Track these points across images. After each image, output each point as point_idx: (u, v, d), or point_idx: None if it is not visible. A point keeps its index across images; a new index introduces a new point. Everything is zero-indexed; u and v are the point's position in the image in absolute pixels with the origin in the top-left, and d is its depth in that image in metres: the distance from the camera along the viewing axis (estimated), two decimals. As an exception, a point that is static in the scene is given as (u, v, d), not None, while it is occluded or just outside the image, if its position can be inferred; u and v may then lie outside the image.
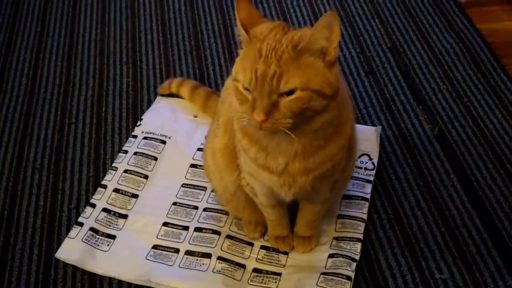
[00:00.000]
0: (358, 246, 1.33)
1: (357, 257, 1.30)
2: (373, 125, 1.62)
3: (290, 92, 0.91)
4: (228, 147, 1.18)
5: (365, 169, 1.49)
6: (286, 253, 1.35)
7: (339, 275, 1.26)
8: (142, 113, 1.70)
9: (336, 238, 1.36)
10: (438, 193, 1.45)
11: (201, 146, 1.58)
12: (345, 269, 1.27)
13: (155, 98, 1.75)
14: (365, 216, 1.39)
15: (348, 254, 1.31)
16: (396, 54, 1.85)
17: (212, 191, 1.46)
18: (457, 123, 1.62)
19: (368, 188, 1.45)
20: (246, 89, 0.94)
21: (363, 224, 1.37)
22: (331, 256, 1.32)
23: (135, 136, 1.61)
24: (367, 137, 1.54)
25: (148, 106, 1.72)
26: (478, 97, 1.69)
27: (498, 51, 1.83)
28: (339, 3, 2.06)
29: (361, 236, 1.35)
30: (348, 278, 1.26)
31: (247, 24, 0.95)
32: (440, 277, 1.28)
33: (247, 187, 1.20)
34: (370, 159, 1.51)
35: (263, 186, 1.12)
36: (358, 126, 1.44)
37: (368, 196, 1.43)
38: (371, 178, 1.47)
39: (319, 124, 0.97)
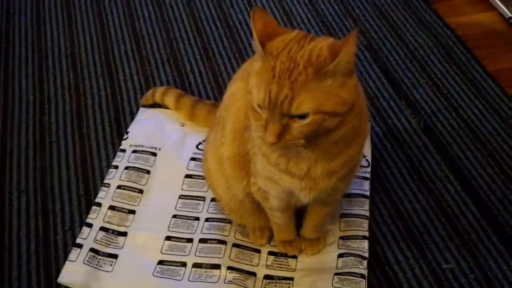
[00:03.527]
0: (365, 243, 1.34)
1: (366, 255, 1.32)
2: (361, 122, 1.64)
3: (302, 116, 0.89)
4: (238, 155, 1.16)
5: (361, 166, 1.50)
6: (295, 257, 1.34)
7: (353, 274, 1.27)
8: (126, 125, 1.66)
9: (342, 238, 1.36)
10: (433, 185, 1.49)
11: (194, 156, 1.56)
12: (358, 268, 1.28)
13: (137, 109, 1.71)
14: (367, 213, 1.41)
15: (357, 252, 1.32)
16: (372, 51, 1.88)
17: (212, 200, 1.44)
18: (440, 115, 1.66)
19: (366, 185, 1.47)
20: (260, 106, 0.93)
21: (366, 221, 1.39)
22: (340, 255, 1.33)
23: (123, 150, 1.57)
24: (358, 135, 1.56)
25: (131, 118, 1.68)
26: (456, 89, 1.74)
27: (468, 43, 1.89)
28: (309, 3, 2.07)
29: (366, 233, 1.36)
30: (362, 276, 1.27)
31: (263, 36, 0.93)
32: (447, 267, 1.32)
33: (257, 193, 1.19)
34: (364, 156, 1.53)
35: (281, 189, 1.11)
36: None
37: (368, 193, 1.45)
38: (368, 175, 1.49)
39: (337, 137, 0.96)
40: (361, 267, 1.28)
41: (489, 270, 1.31)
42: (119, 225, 1.41)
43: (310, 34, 0.96)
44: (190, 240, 1.37)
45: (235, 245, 1.36)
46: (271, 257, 1.35)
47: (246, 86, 1.07)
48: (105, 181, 1.50)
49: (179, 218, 1.42)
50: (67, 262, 1.32)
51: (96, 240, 1.37)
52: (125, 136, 1.61)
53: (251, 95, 0.94)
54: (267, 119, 0.92)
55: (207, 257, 1.34)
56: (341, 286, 1.25)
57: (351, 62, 0.90)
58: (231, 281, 1.29)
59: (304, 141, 0.93)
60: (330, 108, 0.90)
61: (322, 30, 1.96)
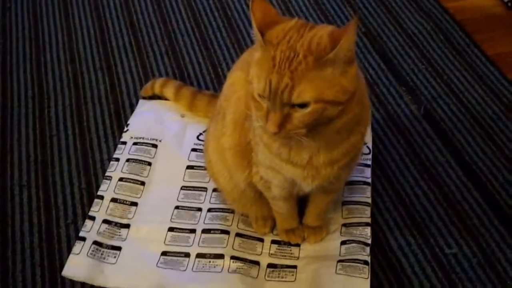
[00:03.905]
0: (368, 230, 1.34)
1: (369, 241, 1.32)
2: (361, 110, 1.64)
3: (303, 105, 0.89)
4: (239, 145, 1.16)
5: (362, 153, 1.50)
6: (298, 245, 1.35)
7: (356, 261, 1.28)
8: (126, 118, 1.66)
9: (344, 225, 1.37)
10: (434, 170, 1.49)
11: (195, 147, 1.56)
12: (361, 254, 1.29)
13: (137, 101, 1.70)
14: (369, 200, 1.41)
15: (360, 239, 1.32)
16: (371, 38, 1.87)
17: (214, 190, 1.45)
18: (441, 101, 1.66)
19: (368, 172, 1.47)
20: (260, 96, 0.93)
21: (368, 208, 1.39)
22: (343, 243, 1.33)
23: (124, 143, 1.57)
24: (359, 122, 1.56)
25: (131, 111, 1.67)
26: (456, 74, 1.74)
27: (467, 28, 1.88)
28: (307, -8, 2.06)
29: (369, 220, 1.36)
30: (365, 262, 1.27)
31: (262, 26, 0.92)
32: (450, 252, 1.32)
33: (260, 182, 1.19)
34: (365, 143, 1.52)
35: (283, 179, 1.11)
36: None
37: (369, 180, 1.45)
38: (369, 162, 1.49)
39: (338, 125, 0.96)
40: (364, 253, 1.29)
41: (492, 254, 1.32)
42: (122, 218, 1.41)
43: (310, 22, 0.95)
44: (193, 231, 1.38)
45: (238, 234, 1.37)
46: (274, 246, 1.35)
47: (246, 76, 1.06)
48: (107, 173, 1.50)
49: (182, 209, 1.42)
50: (70, 255, 1.33)
51: (99, 232, 1.37)
52: (125, 129, 1.61)
53: (251, 85, 0.94)
54: (268, 109, 0.92)
55: (211, 247, 1.34)
56: (344, 273, 1.26)
57: (351, 50, 0.89)
58: (235, 271, 1.29)
59: (305, 130, 0.93)
60: (331, 97, 0.89)
61: (320, 17, 1.95)
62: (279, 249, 1.34)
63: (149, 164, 1.52)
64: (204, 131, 1.56)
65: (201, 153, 1.51)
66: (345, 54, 0.88)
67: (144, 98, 1.71)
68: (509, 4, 1.95)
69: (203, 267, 1.31)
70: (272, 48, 0.90)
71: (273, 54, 0.89)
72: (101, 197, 1.44)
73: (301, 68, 0.88)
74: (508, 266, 1.29)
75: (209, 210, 1.42)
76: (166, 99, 1.68)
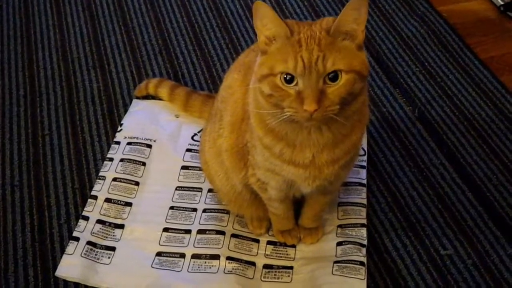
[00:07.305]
0: (364, 231, 1.34)
1: (365, 242, 1.32)
2: (356, 111, 1.64)
3: (335, 78, 0.92)
4: (236, 146, 1.16)
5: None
6: (293, 246, 1.34)
7: (352, 262, 1.27)
8: (120, 118, 1.64)
9: (340, 226, 1.37)
10: (429, 172, 1.49)
11: (190, 147, 1.55)
12: (357, 255, 1.29)
13: (130, 101, 1.69)
14: (365, 201, 1.41)
15: (356, 240, 1.32)
16: (365, 40, 1.86)
17: (210, 191, 1.44)
18: (435, 103, 1.67)
19: (363, 173, 1.47)
20: (287, 82, 0.93)
21: (364, 209, 1.39)
22: (339, 244, 1.33)
23: (118, 143, 1.55)
24: (354, 124, 1.56)
25: (125, 110, 1.66)
26: (450, 77, 1.74)
27: (460, 31, 1.89)
28: (301, -6, 2.07)
29: (364, 221, 1.37)
30: (361, 263, 1.27)
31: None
32: (445, 253, 1.32)
33: (256, 184, 1.18)
34: (360, 145, 1.53)
35: (282, 180, 1.11)
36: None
37: (365, 181, 1.45)
38: (364, 164, 1.49)
39: (354, 108, 0.99)
40: (360, 254, 1.29)
41: (487, 255, 1.32)
42: (116, 218, 1.40)
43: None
44: (188, 231, 1.37)
45: (233, 235, 1.36)
46: (270, 247, 1.35)
47: (243, 78, 1.08)
48: (101, 173, 1.48)
49: (177, 209, 1.41)
50: (64, 256, 1.31)
51: (93, 233, 1.36)
52: (119, 128, 1.59)
53: (272, 76, 0.94)
54: (299, 90, 0.92)
55: (206, 247, 1.33)
56: (341, 274, 1.26)
57: (356, 22, 0.93)
58: (231, 271, 1.28)
59: (339, 108, 0.94)
60: (358, 67, 0.94)
61: (313, 19, 1.95)
62: (275, 250, 1.34)
63: (144, 164, 1.51)
64: (199, 132, 1.56)
65: (196, 154, 1.50)
66: (351, 27, 0.93)
67: (138, 98, 1.69)
68: (502, 8, 1.97)
69: (199, 267, 1.30)
70: (297, 34, 0.94)
71: (298, 38, 0.93)
72: (95, 197, 1.43)
73: (323, 42, 0.91)
74: (502, 267, 1.30)
75: (204, 210, 1.41)
76: (160, 99, 1.67)
